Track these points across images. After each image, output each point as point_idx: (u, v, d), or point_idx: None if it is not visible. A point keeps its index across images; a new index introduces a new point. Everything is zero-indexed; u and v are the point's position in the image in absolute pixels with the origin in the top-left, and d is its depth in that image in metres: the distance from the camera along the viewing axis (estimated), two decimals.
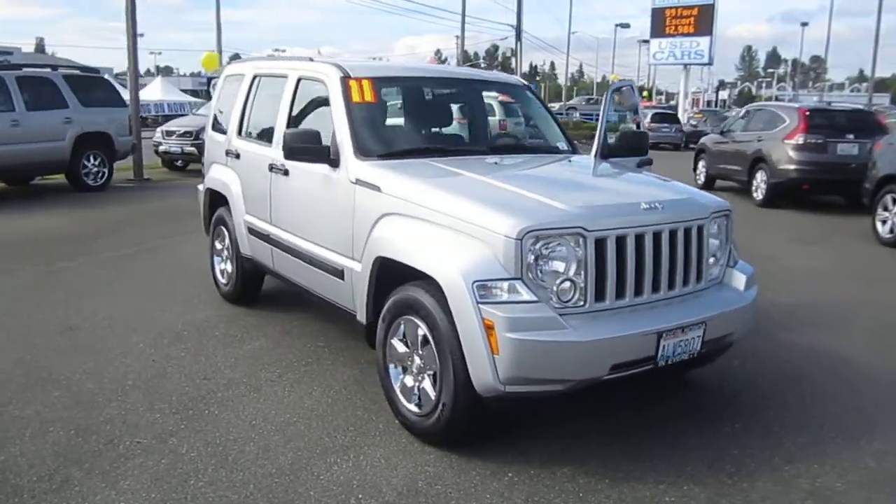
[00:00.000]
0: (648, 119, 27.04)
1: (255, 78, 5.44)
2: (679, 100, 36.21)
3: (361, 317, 3.91)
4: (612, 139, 5.00)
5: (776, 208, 11.54)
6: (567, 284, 3.16)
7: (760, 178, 11.95)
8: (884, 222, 8.78)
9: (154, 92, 38.94)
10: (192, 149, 14.94)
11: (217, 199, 5.82)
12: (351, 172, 3.99)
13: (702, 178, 14.19)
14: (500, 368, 3.03)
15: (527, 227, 3.08)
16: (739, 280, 3.83)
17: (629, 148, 4.94)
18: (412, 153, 4.23)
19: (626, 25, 70.47)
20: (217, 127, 5.99)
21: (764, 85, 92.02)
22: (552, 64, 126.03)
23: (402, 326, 3.57)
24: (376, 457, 3.38)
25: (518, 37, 42.36)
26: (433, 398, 3.38)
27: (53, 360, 4.56)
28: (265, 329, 5.18)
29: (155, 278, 6.60)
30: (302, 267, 4.52)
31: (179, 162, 15.86)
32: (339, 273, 4.10)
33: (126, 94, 14.20)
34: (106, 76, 14.42)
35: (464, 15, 35.79)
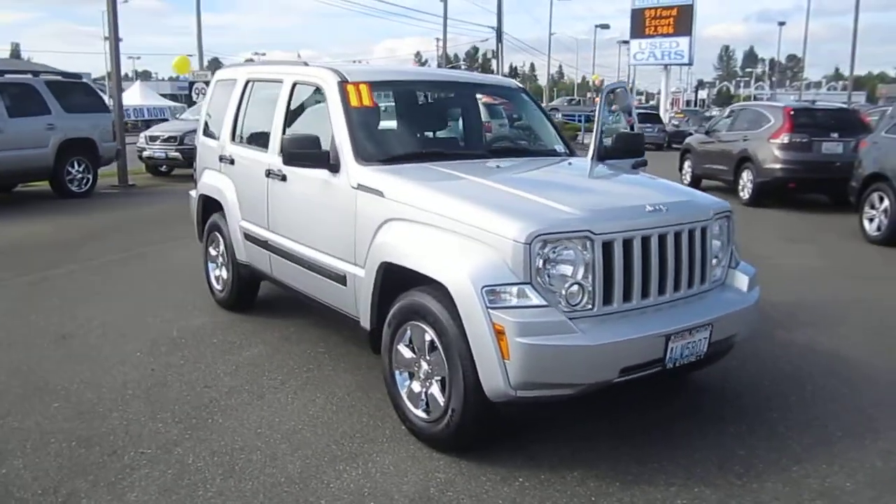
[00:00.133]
0: (622, 119, 27.14)
1: (247, 83, 5.40)
2: (660, 100, 36.40)
3: (365, 323, 3.89)
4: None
5: (762, 207, 11.64)
6: (575, 288, 3.16)
7: (746, 178, 12.05)
8: (871, 220, 8.89)
9: (133, 97, 38.55)
10: (177, 154, 14.85)
11: (211, 205, 5.77)
12: (352, 178, 3.96)
13: (687, 178, 14.27)
14: (511, 373, 3.02)
15: (536, 232, 3.07)
16: (742, 281, 3.85)
17: (626, 150, 4.96)
18: (412, 157, 4.22)
19: (606, 26, 70.82)
20: (209, 132, 5.94)
21: (742, 84, 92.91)
22: (532, 65, 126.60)
23: (408, 332, 3.56)
24: (385, 464, 3.36)
25: (499, 38, 42.50)
26: (442, 404, 3.36)
27: (50, 369, 4.49)
28: (263, 335, 5.14)
29: (147, 285, 6.53)
30: (302, 273, 4.49)
31: (164, 167, 15.73)
32: (341, 279, 4.08)
33: (106, 100, 14.07)
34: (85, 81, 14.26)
35: (445, 18, 35.83)
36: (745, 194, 12.05)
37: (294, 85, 4.71)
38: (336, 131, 4.13)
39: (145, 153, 15.28)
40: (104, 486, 3.16)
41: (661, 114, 33.05)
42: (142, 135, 15.95)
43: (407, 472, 3.29)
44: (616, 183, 4.23)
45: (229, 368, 4.53)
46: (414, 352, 3.55)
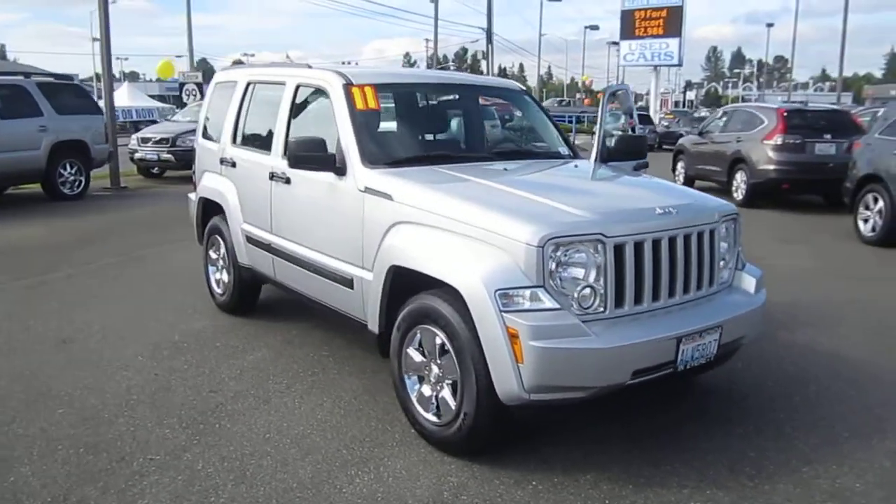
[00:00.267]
0: (622, 120, 27.28)
1: (248, 85, 5.37)
2: (650, 101, 36.54)
3: (373, 326, 3.87)
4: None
5: (756, 208, 11.70)
6: (587, 291, 3.16)
7: (740, 179, 12.12)
8: (865, 221, 8.95)
9: (121, 98, 38.32)
10: (169, 156, 14.78)
11: (211, 208, 5.74)
12: (359, 181, 3.95)
13: (680, 179, 14.33)
14: (525, 377, 3.02)
15: (548, 235, 3.07)
16: (749, 283, 3.87)
17: (628, 151, 4.97)
18: (418, 160, 4.21)
19: (596, 27, 71.26)
20: (208, 135, 5.91)
21: (730, 85, 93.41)
22: (521, 66, 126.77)
23: (417, 336, 3.55)
24: (397, 468, 3.35)
25: (489, 39, 42.55)
26: (453, 407, 3.35)
27: (52, 374, 4.45)
28: (265, 339, 5.11)
29: (145, 288, 6.49)
30: (306, 276, 4.47)
31: (156, 169, 15.63)
32: (347, 282, 4.06)
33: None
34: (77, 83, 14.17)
35: (436, 19, 35.84)
36: (738, 195, 12.11)
37: (297, 87, 4.69)
38: (342, 134, 4.11)
39: (137, 155, 15.20)
40: (114, 494, 3.13)
41: (651, 115, 33.17)
42: (133, 136, 15.86)
43: (419, 476, 3.28)
44: (624, 185, 4.23)
45: (234, 373, 4.50)
46: (424, 355, 3.54)
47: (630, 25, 36.92)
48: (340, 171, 4.06)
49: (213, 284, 5.84)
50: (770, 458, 3.47)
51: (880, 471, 3.37)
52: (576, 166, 4.58)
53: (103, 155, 12.68)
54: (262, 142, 5.02)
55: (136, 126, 32.34)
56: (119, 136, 16.99)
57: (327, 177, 4.13)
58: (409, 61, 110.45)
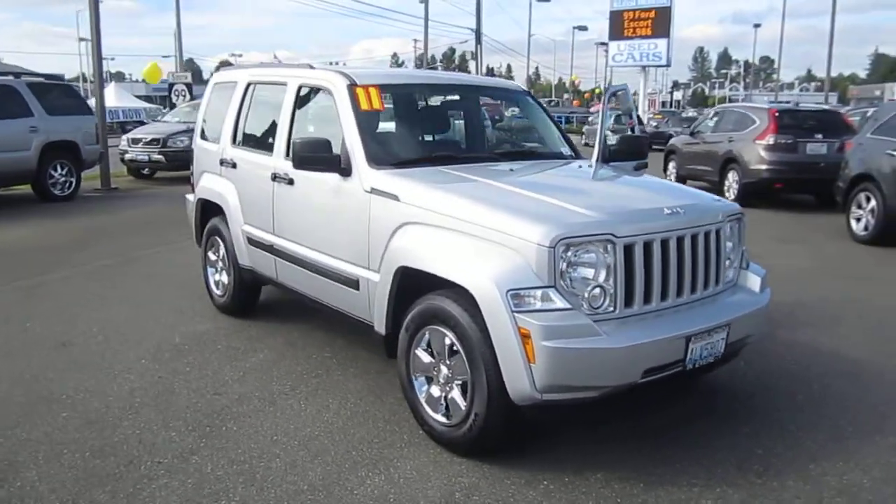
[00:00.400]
0: (612, 121, 27.38)
1: (249, 86, 5.35)
2: (639, 101, 36.69)
3: (380, 327, 3.86)
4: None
5: (748, 207, 11.63)
6: (598, 291, 3.17)
7: (732, 178, 12.19)
8: (858, 220, 9.03)
9: (108, 98, 37.97)
10: (160, 156, 14.70)
11: (210, 209, 5.71)
12: (365, 181, 3.94)
13: (672, 179, 14.40)
14: (537, 377, 3.02)
15: (559, 235, 3.08)
16: (754, 282, 3.89)
17: (630, 152, 4.99)
18: (423, 161, 4.21)
19: (584, 28, 71.53)
20: (206, 135, 5.87)
21: (717, 85, 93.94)
22: (508, 66, 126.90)
23: (426, 336, 3.54)
24: (407, 469, 3.34)
25: (478, 39, 42.61)
26: (463, 408, 3.35)
27: (53, 378, 4.42)
28: (267, 341, 5.09)
29: (143, 290, 6.45)
30: (311, 277, 4.45)
31: (146, 170, 15.53)
32: (353, 283, 4.05)
33: None
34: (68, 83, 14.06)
35: (427, 19, 35.84)
36: (730, 195, 12.17)
37: (300, 88, 4.67)
38: (347, 135, 4.10)
39: (128, 156, 15.10)
40: (123, 498, 3.11)
41: (641, 114, 33.32)
42: (124, 137, 15.76)
43: (430, 477, 3.28)
44: (629, 186, 4.24)
45: (237, 375, 4.48)
46: (433, 356, 3.54)
47: (619, 26, 37.05)
48: (345, 171, 4.05)
49: (213, 286, 5.81)
50: (777, 455, 3.49)
51: (887, 467, 3.40)
52: (579, 167, 4.59)
53: (94, 156, 12.59)
54: (263, 143, 5.01)
55: (124, 127, 32.15)
56: (108, 136, 16.89)
57: (332, 178, 4.12)
58: (396, 61, 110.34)
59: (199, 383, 4.35)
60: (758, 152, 11.62)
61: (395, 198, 3.73)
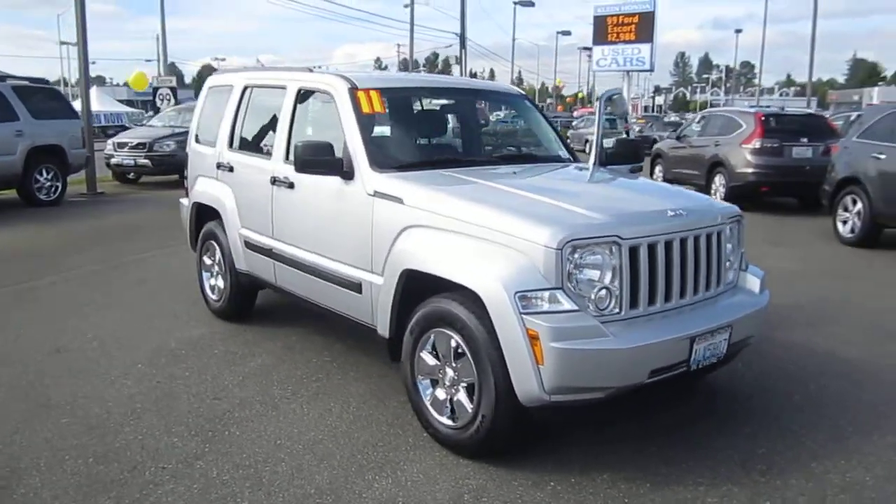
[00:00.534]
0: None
1: (245, 89, 5.33)
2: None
3: (384, 331, 3.86)
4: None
5: None
6: (604, 292, 3.20)
7: (719, 182, 12.32)
8: (844, 222, 9.14)
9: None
10: (146, 161, 14.58)
11: (206, 214, 5.68)
12: (368, 185, 3.94)
13: None
14: (546, 378, 3.03)
15: (566, 237, 3.10)
16: (754, 283, 3.94)
17: (626, 155, 5.03)
18: (425, 164, 4.21)
19: (568, 33, 71.81)
20: (201, 139, 5.84)
21: (698, 90, 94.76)
22: (491, 71, 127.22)
23: (431, 339, 3.55)
24: (414, 472, 3.34)
25: (462, 44, 42.71)
26: (470, 410, 3.36)
27: (49, 384, 4.37)
28: (265, 345, 5.07)
29: (135, 295, 6.40)
30: (311, 281, 4.44)
31: (132, 174, 15.41)
32: (355, 287, 4.05)
33: None
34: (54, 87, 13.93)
35: (412, 23, 35.89)
36: (717, 198, 12.27)
37: (299, 91, 4.67)
38: (349, 138, 4.10)
39: (113, 160, 14.97)
40: None
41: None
42: (109, 141, 15.62)
43: (437, 479, 3.28)
44: (630, 188, 4.28)
45: (236, 379, 4.46)
46: (438, 359, 3.54)
47: (603, 31, 37.21)
48: (348, 175, 4.05)
49: (208, 290, 5.77)
50: (779, 454, 3.53)
51: (888, 464, 3.45)
52: (579, 170, 4.62)
53: (80, 160, 12.48)
54: (261, 146, 4.99)
55: (105, 131, 31.90)
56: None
57: (333, 181, 4.12)
58: (379, 66, 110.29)
59: (198, 388, 4.32)
60: (744, 156, 11.74)
61: (400, 201, 3.73)
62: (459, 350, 3.39)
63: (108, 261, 7.78)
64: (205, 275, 5.80)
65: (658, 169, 14.99)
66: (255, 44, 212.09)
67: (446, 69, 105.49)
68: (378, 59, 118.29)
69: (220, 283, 5.58)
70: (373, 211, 3.89)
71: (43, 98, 12.01)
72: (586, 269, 3.18)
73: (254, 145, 5.12)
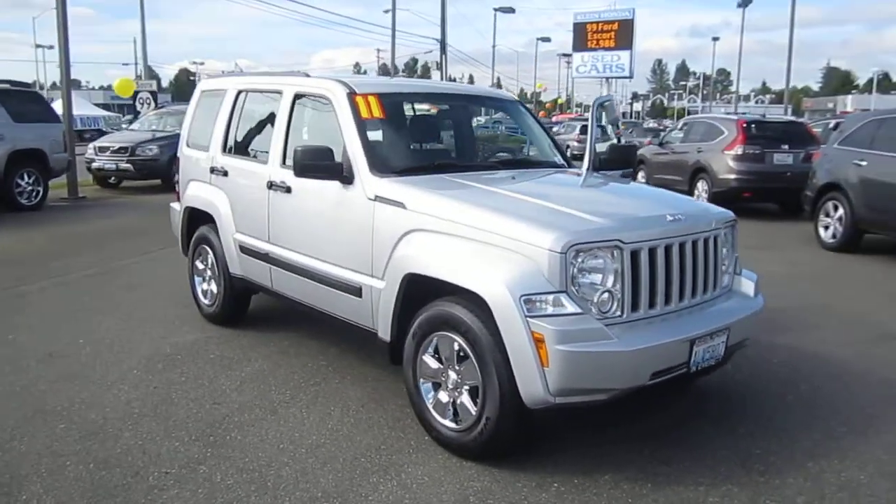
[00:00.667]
0: (577, 131, 27.82)
1: (239, 94, 5.33)
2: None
3: (385, 335, 3.88)
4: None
5: None
6: (606, 296, 3.25)
7: (701, 188, 12.47)
8: (826, 228, 9.30)
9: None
10: (128, 165, 14.46)
11: (198, 218, 5.66)
12: (368, 189, 3.96)
13: None
14: (551, 380, 3.07)
15: (570, 241, 3.14)
16: (748, 287, 4.02)
17: (620, 160, 5.11)
18: (424, 169, 4.24)
19: (548, 39, 72.34)
20: (193, 143, 5.82)
21: (676, 97, 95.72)
22: (471, 77, 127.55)
23: (433, 342, 3.57)
24: (418, 474, 3.36)
25: (443, 49, 42.85)
26: (474, 413, 3.39)
27: (44, 390, 4.33)
28: (260, 350, 5.06)
29: (126, 300, 6.35)
30: (309, 285, 4.45)
31: (113, 179, 15.27)
32: (355, 291, 4.06)
33: None
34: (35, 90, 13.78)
35: (394, 28, 35.92)
36: None
37: (295, 96, 4.68)
38: (349, 144, 4.12)
39: (95, 164, 14.81)
40: None
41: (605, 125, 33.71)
42: (91, 145, 15.46)
43: (442, 481, 3.30)
44: (627, 193, 4.35)
45: (234, 384, 4.45)
46: (440, 362, 3.57)
47: (582, 38, 37.54)
48: (347, 179, 4.06)
49: (200, 295, 5.75)
50: (776, 454, 3.60)
51: (881, 463, 3.53)
52: (576, 175, 4.68)
53: (62, 164, 12.35)
54: (257, 151, 4.99)
55: (81, 135, 31.49)
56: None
57: (332, 186, 4.13)
58: (358, 71, 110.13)
59: (196, 393, 4.31)
60: (726, 162, 11.91)
61: (402, 205, 3.76)
62: (462, 353, 3.42)
63: (96, 265, 7.72)
64: (197, 279, 5.77)
65: (641, 175, 15.12)
66: (231, 48, 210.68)
67: (425, 74, 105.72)
68: (357, 65, 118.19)
69: (214, 287, 5.56)
70: (373, 215, 3.91)
71: (24, 101, 11.88)
72: (589, 273, 3.23)
73: (249, 150, 5.12)
